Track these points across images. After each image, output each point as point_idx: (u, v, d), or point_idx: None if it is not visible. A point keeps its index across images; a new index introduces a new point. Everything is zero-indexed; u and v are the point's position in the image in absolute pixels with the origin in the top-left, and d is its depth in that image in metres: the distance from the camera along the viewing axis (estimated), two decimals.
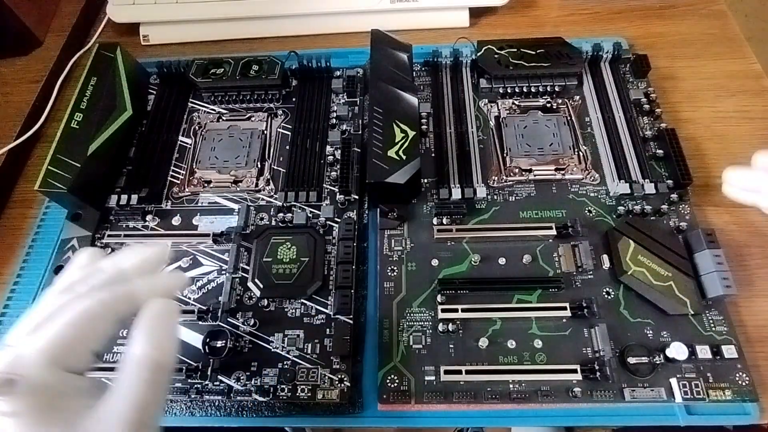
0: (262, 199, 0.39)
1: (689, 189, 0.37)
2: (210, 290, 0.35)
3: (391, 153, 0.34)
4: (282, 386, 0.32)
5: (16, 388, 0.20)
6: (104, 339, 0.24)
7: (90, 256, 0.27)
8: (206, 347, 0.33)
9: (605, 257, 0.34)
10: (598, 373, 0.31)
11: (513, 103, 0.42)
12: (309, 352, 0.33)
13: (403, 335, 0.33)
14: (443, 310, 0.33)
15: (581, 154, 0.39)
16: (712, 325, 0.32)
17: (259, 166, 0.40)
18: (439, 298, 0.34)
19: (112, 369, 0.32)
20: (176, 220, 0.38)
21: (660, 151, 0.38)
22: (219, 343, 0.33)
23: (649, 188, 0.36)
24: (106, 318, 0.23)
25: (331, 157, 0.40)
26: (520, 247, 0.35)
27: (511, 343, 0.32)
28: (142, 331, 0.23)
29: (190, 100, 0.44)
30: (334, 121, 0.42)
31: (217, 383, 0.32)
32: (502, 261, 0.35)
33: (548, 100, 0.42)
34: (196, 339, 0.33)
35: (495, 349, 0.32)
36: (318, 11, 0.49)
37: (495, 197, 0.38)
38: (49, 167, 0.36)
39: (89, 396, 0.22)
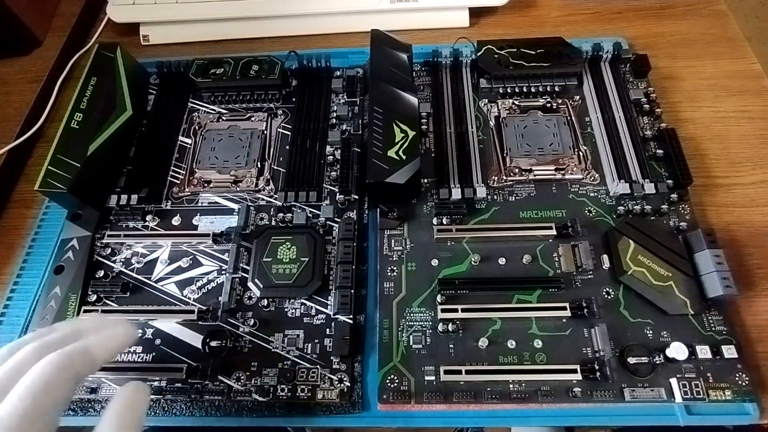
0: (262, 199, 0.39)
1: (689, 189, 0.37)
2: (210, 290, 0.35)
3: (391, 153, 0.34)
4: (282, 386, 0.32)
5: None
6: (64, 405, 0.23)
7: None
8: (206, 347, 0.33)
9: (605, 257, 0.34)
10: (598, 373, 0.31)
11: (513, 103, 0.42)
12: (309, 352, 0.33)
13: (403, 335, 0.33)
14: (443, 310, 0.33)
15: (581, 154, 0.39)
16: (712, 325, 0.32)
17: (259, 166, 0.40)
18: (439, 298, 0.34)
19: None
20: (176, 220, 0.38)
21: (660, 151, 0.38)
22: (219, 343, 0.33)
23: (649, 188, 0.36)
24: (66, 381, 0.23)
25: (331, 157, 0.40)
26: (520, 247, 0.35)
27: (511, 343, 0.32)
28: (110, 417, 0.23)
29: (190, 100, 0.44)
30: (334, 121, 0.42)
31: (217, 383, 0.32)
32: (502, 261, 0.35)
33: (548, 100, 0.42)
34: (196, 339, 0.33)
35: (495, 349, 0.32)
36: (318, 11, 0.49)
37: (495, 197, 0.38)
38: (49, 167, 0.36)
39: None
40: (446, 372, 0.31)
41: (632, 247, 0.34)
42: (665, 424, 0.31)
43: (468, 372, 0.31)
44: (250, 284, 0.35)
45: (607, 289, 0.34)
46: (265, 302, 0.35)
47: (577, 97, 0.42)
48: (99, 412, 0.32)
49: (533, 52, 0.42)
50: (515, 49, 0.42)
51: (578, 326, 0.33)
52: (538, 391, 0.31)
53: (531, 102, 0.42)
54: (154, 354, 0.33)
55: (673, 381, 0.31)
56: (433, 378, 0.31)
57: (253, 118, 0.43)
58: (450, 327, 0.32)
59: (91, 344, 0.24)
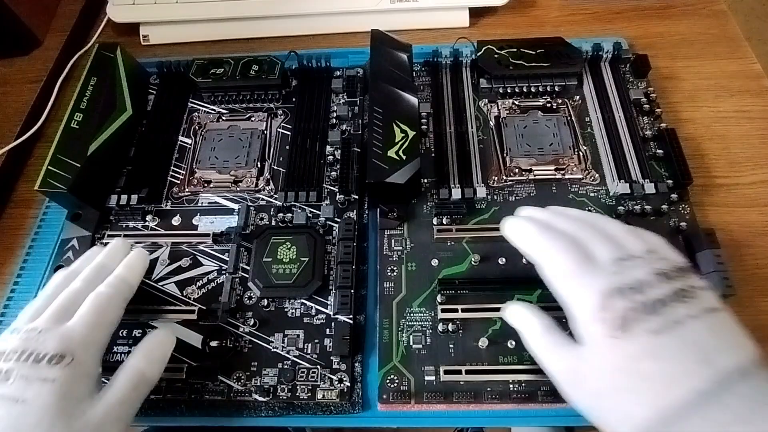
0: (262, 199, 0.39)
1: (689, 189, 0.37)
2: (210, 290, 0.35)
3: (391, 153, 0.34)
4: (282, 386, 0.32)
5: (65, 361, 0.26)
6: (117, 322, 0.30)
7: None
8: (206, 347, 0.33)
9: None
10: None
11: (513, 103, 0.42)
12: (309, 352, 0.33)
13: (403, 335, 0.33)
14: (443, 310, 0.33)
15: (581, 154, 0.39)
16: None
17: (259, 166, 0.40)
18: (439, 298, 0.34)
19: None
20: (176, 220, 0.38)
21: (660, 151, 0.38)
22: (219, 343, 0.33)
23: (649, 188, 0.36)
24: (118, 304, 0.30)
25: (331, 157, 0.40)
26: None
27: (511, 343, 0.32)
28: (142, 349, 0.29)
29: (190, 100, 0.44)
30: (334, 121, 0.42)
31: (217, 383, 0.32)
32: (502, 261, 0.35)
33: (548, 100, 0.42)
34: (196, 339, 0.33)
35: (495, 349, 0.32)
36: (318, 11, 0.49)
37: (495, 197, 0.38)
38: (49, 167, 0.36)
39: (97, 383, 0.27)
40: (446, 372, 0.31)
41: None
42: None
43: (468, 372, 0.31)
44: (250, 284, 0.35)
45: None
46: (265, 302, 0.35)
47: (577, 97, 0.42)
48: None
49: (533, 52, 0.42)
50: (515, 49, 0.42)
51: None
52: (538, 391, 0.31)
53: (531, 102, 0.42)
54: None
55: None
56: (433, 378, 0.31)
57: (253, 118, 0.43)
58: (450, 327, 0.32)
59: (123, 274, 0.31)
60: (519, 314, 0.28)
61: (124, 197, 0.38)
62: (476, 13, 0.49)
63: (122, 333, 0.34)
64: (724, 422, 0.20)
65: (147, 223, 0.38)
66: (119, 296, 0.30)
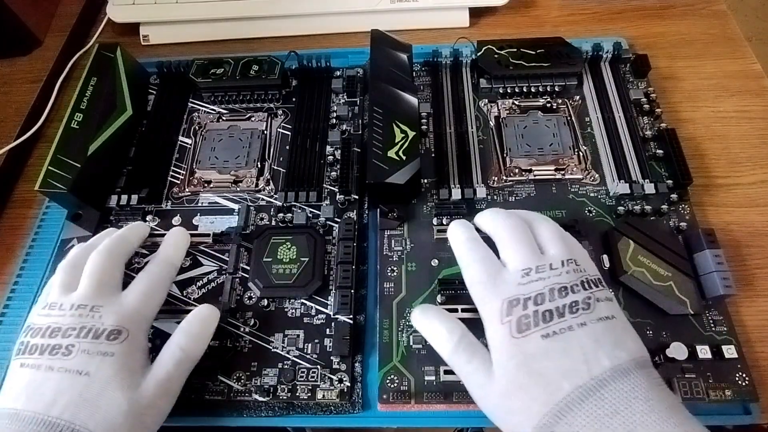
0: (262, 199, 0.39)
1: (689, 189, 0.37)
2: (210, 290, 0.35)
3: (391, 153, 0.34)
4: (282, 386, 0.32)
5: (121, 336, 0.28)
6: (164, 300, 0.32)
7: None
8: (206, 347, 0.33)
9: (605, 257, 0.34)
10: None
11: (513, 103, 0.42)
12: (309, 352, 0.33)
13: (403, 335, 0.33)
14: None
15: (581, 154, 0.39)
16: (712, 325, 0.32)
17: (259, 166, 0.40)
18: (439, 298, 0.34)
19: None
20: (176, 220, 0.38)
21: (660, 151, 0.38)
22: (219, 343, 0.33)
23: (649, 188, 0.36)
24: (166, 283, 0.32)
25: (331, 157, 0.40)
26: None
27: None
28: (184, 326, 0.30)
29: (190, 100, 0.44)
30: (334, 121, 0.42)
31: (217, 383, 0.32)
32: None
33: (548, 100, 0.42)
34: None
35: None
36: (318, 11, 0.49)
37: (495, 197, 0.38)
38: (49, 167, 0.36)
39: (147, 357, 0.29)
40: (446, 372, 0.31)
41: (632, 247, 0.34)
42: None
43: None
44: (250, 284, 0.35)
45: None
46: (265, 302, 0.35)
47: (577, 97, 0.42)
48: None
49: (533, 52, 0.42)
50: (515, 49, 0.42)
51: None
52: None
53: (531, 102, 0.42)
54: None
55: (674, 381, 0.31)
56: (433, 378, 0.31)
57: (253, 118, 0.43)
58: None
59: (169, 253, 0.34)
60: (424, 323, 0.30)
61: (124, 197, 0.38)
62: (476, 13, 0.49)
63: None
64: (601, 414, 0.23)
65: (147, 224, 0.38)
66: (168, 276, 0.32)
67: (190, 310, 0.34)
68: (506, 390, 0.25)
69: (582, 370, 0.24)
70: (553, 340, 0.25)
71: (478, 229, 0.32)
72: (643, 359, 0.25)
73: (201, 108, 0.44)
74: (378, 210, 0.37)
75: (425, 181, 0.38)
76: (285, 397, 0.31)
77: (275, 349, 0.33)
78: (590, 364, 0.24)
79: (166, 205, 0.39)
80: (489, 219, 0.31)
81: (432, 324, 0.29)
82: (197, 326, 0.30)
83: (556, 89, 0.42)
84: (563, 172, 0.38)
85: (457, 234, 0.31)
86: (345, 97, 0.43)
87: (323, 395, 0.31)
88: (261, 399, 0.31)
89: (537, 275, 0.27)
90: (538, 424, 0.24)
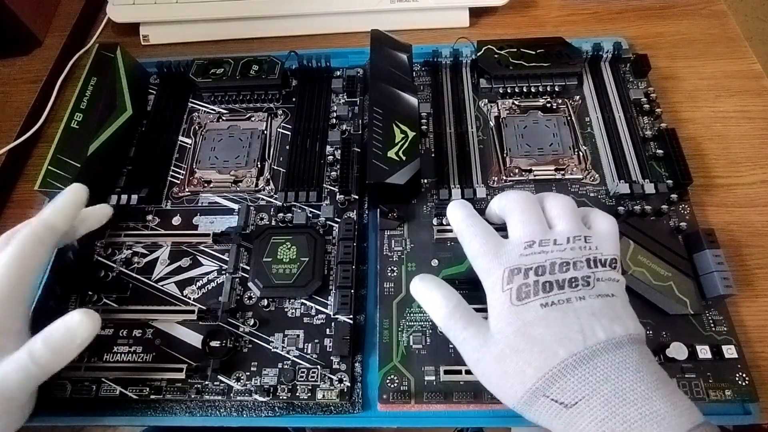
0: (262, 199, 0.39)
1: (689, 189, 0.37)
2: (210, 290, 0.35)
3: (391, 153, 0.34)
4: (282, 386, 0.32)
5: None
6: (40, 269, 0.30)
7: None
8: (206, 347, 0.33)
9: None
10: None
11: (513, 103, 0.42)
12: (309, 352, 0.33)
13: (403, 335, 0.33)
14: None
15: (581, 154, 0.39)
16: (712, 325, 0.32)
17: (259, 166, 0.40)
18: None
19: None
20: (176, 220, 0.38)
21: (660, 151, 0.38)
22: (219, 343, 0.33)
23: (649, 188, 0.36)
24: (36, 250, 0.30)
25: (331, 157, 0.40)
26: None
27: None
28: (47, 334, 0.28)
29: (190, 100, 0.44)
30: (334, 121, 0.42)
31: (217, 383, 0.32)
32: None
33: (548, 100, 0.42)
34: (196, 339, 0.33)
35: None
36: (318, 11, 0.49)
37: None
38: (49, 167, 0.36)
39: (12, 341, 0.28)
40: (446, 372, 0.31)
41: (632, 247, 0.34)
42: None
43: (468, 372, 0.31)
44: (250, 284, 0.35)
45: None
46: (265, 302, 0.35)
47: (577, 97, 0.42)
48: (97, 413, 0.32)
49: (533, 52, 0.42)
50: (515, 49, 0.42)
51: None
52: None
53: (531, 102, 0.42)
54: (154, 354, 0.33)
55: (673, 381, 0.30)
56: (433, 378, 0.31)
57: (253, 118, 0.43)
58: None
59: (46, 216, 0.30)
60: (421, 290, 0.30)
61: (124, 197, 0.38)
62: (476, 13, 0.49)
63: (123, 333, 0.34)
64: (592, 381, 0.24)
65: (147, 223, 0.38)
66: (40, 242, 0.30)
67: (190, 310, 0.34)
68: (502, 353, 0.26)
69: (577, 338, 0.25)
70: (552, 309, 0.26)
71: (488, 220, 0.32)
72: (639, 336, 0.26)
73: (201, 108, 0.44)
74: (378, 210, 0.37)
75: (425, 181, 0.38)
76: (285, 397, 0.31)
77: (275, 349, 0.33)
78: (586, 334, 0.25)
79: (166, 205, 0.39)
80: (499, 197, 0.32)
81: (429, 290, 0.30)
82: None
83: (556, 89, 0.42)
84: (563, 172, 0.38)
85: (456, 212, 0.32)
86: (345, 97, 0.43)
87: (323, 395, 0.31)
88: (261, 399, 0.31)
89: (540, 248, 0.28)
90: (531, 388, 0.25)
